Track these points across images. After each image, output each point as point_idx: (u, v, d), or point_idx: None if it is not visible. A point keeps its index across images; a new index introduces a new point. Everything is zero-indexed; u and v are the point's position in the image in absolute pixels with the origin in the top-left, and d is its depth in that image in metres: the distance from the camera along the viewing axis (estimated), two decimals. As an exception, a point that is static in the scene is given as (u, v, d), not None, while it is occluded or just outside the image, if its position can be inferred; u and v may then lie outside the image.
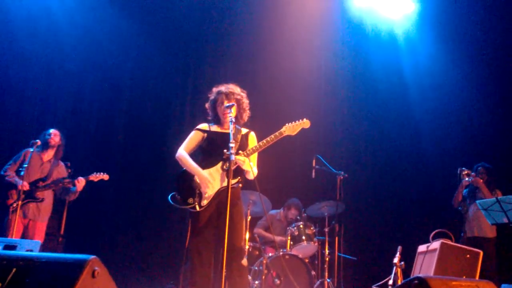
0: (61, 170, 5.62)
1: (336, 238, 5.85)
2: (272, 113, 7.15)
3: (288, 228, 6.13)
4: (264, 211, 6.05)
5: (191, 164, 3.90)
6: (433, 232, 4.60)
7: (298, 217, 6.39)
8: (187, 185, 3.86)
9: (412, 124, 8.00)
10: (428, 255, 4.43)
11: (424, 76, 8.02)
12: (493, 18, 7.65)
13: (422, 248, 4.69)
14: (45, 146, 5.51)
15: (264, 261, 5.52)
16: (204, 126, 4.11)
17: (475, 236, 5.85)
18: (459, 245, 4.50)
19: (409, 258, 4.84)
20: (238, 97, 4.02)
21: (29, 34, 7.12)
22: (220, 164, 3.88)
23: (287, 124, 3.95)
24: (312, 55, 8.05)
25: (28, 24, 7.11)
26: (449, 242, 4.38)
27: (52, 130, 5.60)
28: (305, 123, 3.99)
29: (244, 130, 4.08)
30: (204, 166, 3.89)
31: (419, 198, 7.64)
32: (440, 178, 7.39)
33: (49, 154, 5.55)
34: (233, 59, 8.01)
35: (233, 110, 3.79)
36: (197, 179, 3.86)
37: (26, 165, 5.11)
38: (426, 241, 4.75)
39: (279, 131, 3.91)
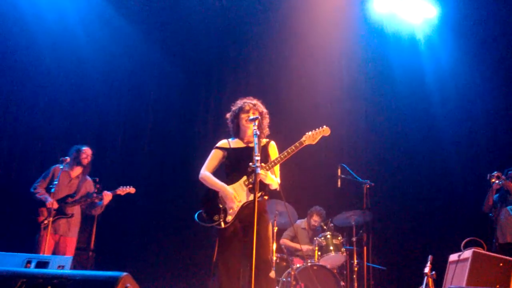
0: (89, 186, 5.71)
1: (365, 248, 5.79)
2: (295, 122, 7.15)
3: (315, 238, 6.10)
4: (290, 220, 6.04)
5: (215, 182, 3.95)
6: (464, 241, 4.50)
7: (321, 224, 6.36)
8: (212, 202, 3.90)
9: (438, 129, 7.90)
10: (460, 264, 4.33)
11: (446, 80, 7.95)
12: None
13: (453, 257, 4.58)
14: (76, 163, 5.62)
15: (292, 273, 5.50)
16: (223, 143, 4.13)
17: (508, 242, 5.70)
18: (491, 253, 4.39)
19: (440, 268, 4.74)
20: (261, 110, 4.06)
21: (55, 55, 7.32)
22: (243, 179, 3.90)
23: (307, 133, 3.93)
24: (334, 62, 8.05)
25: (54, 46, 7.30)
26: (481, 251, 4.27)
27: (85, 149, 5.68)
28: (325, 130, 3.95)
29: (263, 141, 4.08)
30: (227, 183, 3.92)
31: (449, 205, 7.50)
32: (469, 184, 7.27)
33: (77, 171, 5.66)
34: (254, 70, 8.06)
35: (256, 123, 3.81)
36: (221, 195, 3.89)
37: (56, 182, 5.21)
38: (457, 249, 4.65)
39: (299, 141, 3.89)
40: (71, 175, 5.62)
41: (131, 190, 5.68)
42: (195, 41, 8.00)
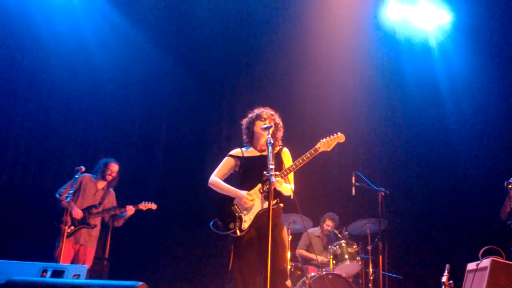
0: (112, 198, 5.78)
1: (380, 256, 5.72)
2: (309, 129, 7.14)
3: (330, 246, 6.05)
4: (304, 228, 6.01)
5: (225, 187, 3.96)
6: (482, 249, 4.43)
7: (336, 232, 6.31)
8: (227, 210, 3.90)
9: (453, 136, 7.84)
10: (478, 273, 4.25)
11: (460, 86, 7.89)
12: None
13: (471, 266, 4.51)
14: (101, 177, 5.68)
15: (307, 282, 5.45)
16: (237, 152, 4.13)
17: (525, 250, 5.60)
18: (510, 262, 4.30)
19: (458, 277, 4.67)
20: (277, 121, 4.08)
21: (68, 66, 7.40)
22: (258, 187, 3.89)
23: (321, 140, 3.92)
24: (347, 68, 8.03)
25: (67, 57, 7.38)
26: (500, 260, 4.19)
27: (111, 164, 5.71)
28: (340, 137, 3.94)
29: (277, 148, 4.07)
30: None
31: (466, 213, 7.40)
32: (486, 192, 7.16)
33: (103, 182, 5.73)
34: (268, 78, 8.07)
35: (270, 132, 3.81)
36: (236, 202, 3.88)
37: (72, 192, 5.22)
38: (475, 258, 4.57)
39: (314, 148, 3.88)
40: (97, 186, 5.69)
41: (153, 206, 5.80)
42: (208, 50, 8.04)
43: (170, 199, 7.38)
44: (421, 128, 7.94)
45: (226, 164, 4.11)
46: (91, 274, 5.55)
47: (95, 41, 7.52)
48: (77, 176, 5.29)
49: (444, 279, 4.34)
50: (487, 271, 4.06)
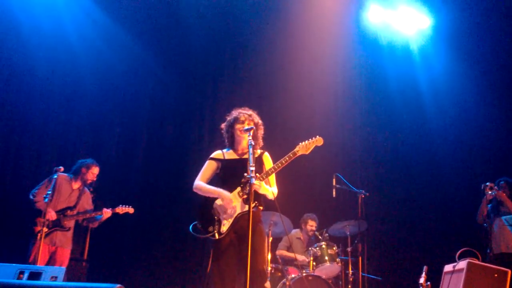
0: (87, 199, 5.67)
1: (360, 258, 5.77)
2: (290, 132, 7.16)
3: (310, 248, 6.08)
4: (285, 230, 6.03)
5: (209, 188, 3.94)
6: (459, 251, 4.52)
7: (316, 234, 6.34)
8: (206, 214, 3.88)
9: (432, 139, 7.95)
10: (455, 275, 4.33)
11: (440, 90, 8.01)
12: (507, 33, 7.63)
13: (448, 267, 4.59)
14: (81, 179, 5.56)
15: (287, 283, 5.47)
16: (218, 154, 4.11)
17: (502, 252, 5.72)
18: (486, 264, 4.39)
19: (435, 278, 4.75)
20: (256, 120, 4.06)
21: (50, 64, 7.29)
22: (237, 189, 3.87)
23: (300, 143, 3.91)
24: (328, 72, 8.08)
25: (49, 55, 7.27)
26: (476, 262, 4.28)
27: (94, 168, 5.58)
28: (318, 140, 3.93)
29: (258, 152, 4.07)
30: None
31: (443, 215, 7.52)
32: (463, 194, 7.29)
33: (78, 183, 5.61)
34: (249, 80, 8.07)
35: (251, 133, 3.81)
36: (216, 206, 3.87)
37: (50, 192, 5.09)
38: (452, 260, 4.65)
39: (292, 152, 3.87)
40: (72, 187, 5.56)
41: (130, 210, 5.71)
42: (190, 50, 8.01)
43: (150, 201, 7.32)
44: (401, 131, 8.03)
45: (208, 168, 4.09)
46: (69, 276, 5.46)
47: (77, 39, 7.41)
48: (55, 176, 5.18)
49: (421, 280, 4.41)
50: (463, 273, 4.14)
